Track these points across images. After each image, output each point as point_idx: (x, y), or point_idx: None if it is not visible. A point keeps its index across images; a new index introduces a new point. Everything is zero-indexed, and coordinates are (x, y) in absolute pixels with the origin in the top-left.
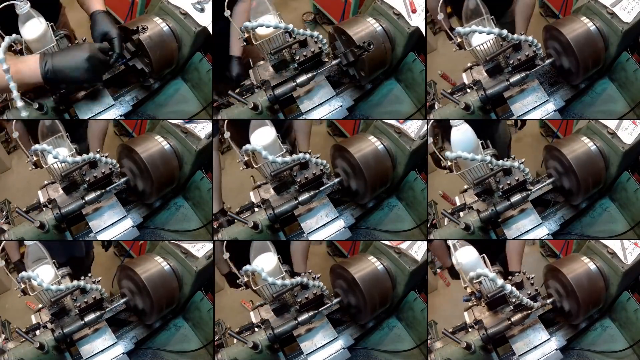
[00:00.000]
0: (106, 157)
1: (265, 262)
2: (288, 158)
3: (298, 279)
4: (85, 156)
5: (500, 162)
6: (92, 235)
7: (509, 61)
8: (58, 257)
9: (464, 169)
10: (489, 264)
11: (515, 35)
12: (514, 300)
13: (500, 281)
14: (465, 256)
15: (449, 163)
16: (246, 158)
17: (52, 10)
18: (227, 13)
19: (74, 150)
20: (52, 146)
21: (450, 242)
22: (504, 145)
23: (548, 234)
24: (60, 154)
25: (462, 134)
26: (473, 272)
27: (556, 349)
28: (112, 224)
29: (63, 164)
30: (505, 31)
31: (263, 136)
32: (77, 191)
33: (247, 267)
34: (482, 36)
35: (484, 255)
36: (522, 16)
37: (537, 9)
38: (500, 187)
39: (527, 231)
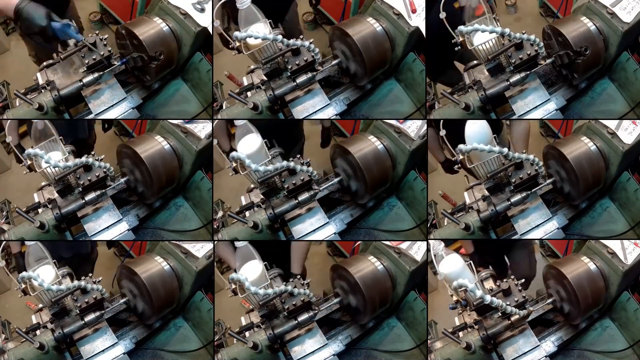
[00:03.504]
0: (100, 160)
1: (250, 270)
2: (271, 167)
3: (282, 287)
4: (77, 160)
5: (517, 154)
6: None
7: (511, 60)
8: (64, 252)
9: (476, 162)
10: (475, 270)
11: (518, 34)
12: (498, 308)
13: (479, 292)
14: (450, 265)
15: (461, 157)
16: (234, 164)
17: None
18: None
19: (67, 154)
20: (44, 150)
21: (433, 252)
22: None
23: (558, 228)
24: (52, 158)
25: (477, 127)
26: (455, 281)
27: (545, 356)
28: (108, 227)
29: (56, 169)
30: (507, 30)
31: (248, 144)
32: (72, 194)
33: (233, 275)
34: (484, 36)
35: (471, 262)
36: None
37: (537, 8)
38: (513, 180)
39: (537, 226)
